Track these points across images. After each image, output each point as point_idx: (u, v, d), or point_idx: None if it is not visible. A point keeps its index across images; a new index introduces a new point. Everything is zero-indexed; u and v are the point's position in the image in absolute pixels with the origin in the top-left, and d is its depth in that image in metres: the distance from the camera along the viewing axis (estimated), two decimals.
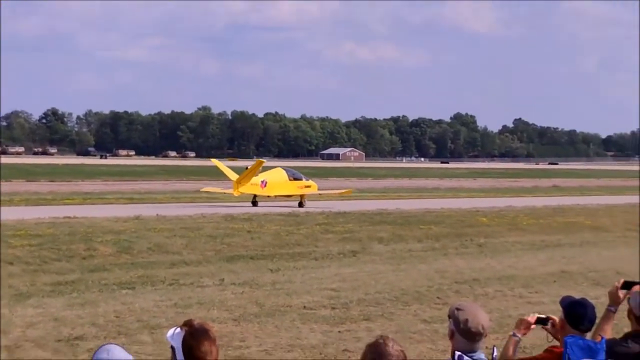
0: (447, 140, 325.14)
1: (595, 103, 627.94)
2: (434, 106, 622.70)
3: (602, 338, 7.56)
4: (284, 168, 57.71)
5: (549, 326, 7.84)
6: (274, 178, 54.26)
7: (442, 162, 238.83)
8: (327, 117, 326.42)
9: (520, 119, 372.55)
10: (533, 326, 7.94)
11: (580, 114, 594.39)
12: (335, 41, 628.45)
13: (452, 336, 7.03)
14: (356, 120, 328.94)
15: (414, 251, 28.94)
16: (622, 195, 73.87)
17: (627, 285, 8.22)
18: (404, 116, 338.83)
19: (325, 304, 18.33)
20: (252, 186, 52.08)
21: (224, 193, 55.19)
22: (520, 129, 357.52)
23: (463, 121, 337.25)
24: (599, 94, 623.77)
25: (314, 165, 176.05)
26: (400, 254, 28.08)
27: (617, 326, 10.48)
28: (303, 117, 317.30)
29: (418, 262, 26.02)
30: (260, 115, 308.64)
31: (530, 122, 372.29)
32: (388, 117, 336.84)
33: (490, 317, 15.93)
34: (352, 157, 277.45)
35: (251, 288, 20.64)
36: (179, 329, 5.66)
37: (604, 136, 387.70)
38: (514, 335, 7.89)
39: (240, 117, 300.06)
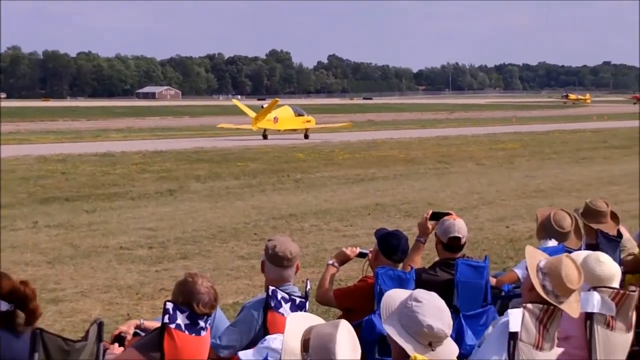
0: (263, 78, 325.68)
1: (406, 38, 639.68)
2: (250, 43, 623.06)
3: (411, 268, 7.78)
4: (290, 106, 67.61)
5: (367, 258, 8.04)
6: (283, 114, 63.54)
7: (258, 100, 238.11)
8: (141, 55, 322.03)
9: (334, 55, 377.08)
10: (353, 257, 8.14)
11: (392, 49, 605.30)
12: None
13: (263, 267, 7.17)
14: (171, 59, 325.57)
15: (231, 188, 28.93)
16: (434, 128, 75.79)
17: (436, 217, 8.48)
18: (219, 54, 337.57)
19: (142, 244, 18.16)
20: (266, 122, 61.41)
21: (238, 128, 64.78)
22: (335, 64, 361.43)
23: (278, 58, 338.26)
24: (410, 29, 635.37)
25: (130, 105, 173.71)
26: (217, 192, 28.02)
27: (429, 256, 10.83)
28: (117, 56, 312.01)
29: (235, 199, 26.01)
30: (73, 54, 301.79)
31: (344, 58, 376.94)
32: (204, 55, 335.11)
33: (306, 252, 16.17)
34: (169, 96, 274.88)
35: (66, 230, 20.23)
36: None
37: (415, 70, 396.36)
38: (333, 264, 8.04)
39: (52, 57, 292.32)
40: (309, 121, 65.09)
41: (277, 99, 68.21)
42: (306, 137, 61.29)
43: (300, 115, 65.16)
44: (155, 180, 31.10)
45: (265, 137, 60.35)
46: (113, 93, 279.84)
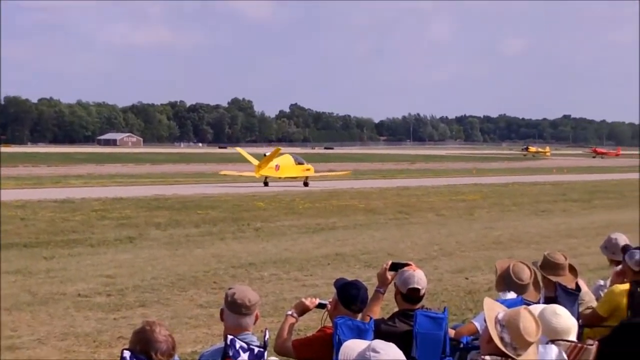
0: (225, 126, 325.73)
1: (368, 89, 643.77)
2: (211, 91, 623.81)
3: (370, 318, 7.79)
4: (291, 154, 69.94)
5: (326, 309, 8.04)
6: (285, 162, 66.13)
7: (219, 147, 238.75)
8: (103, 102, 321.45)
9: (296, 104, 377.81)
10: (312, 308, 8.14)
11: (353, 99, 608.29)
12: (109, 23, 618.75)
13: (222, 315, 7.17)
14: (133, 106, 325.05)
15: (191, 236, 28.87)
16: (394, 178, 76.04)
17: (395, 267, 8.49)
18: (181, 101, 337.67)
19: (100, 291, 18.06)
20: (269, 169, 64.33)
21: (241, 175, 66.65)
22: (297, 113, 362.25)
23: (240, 106, 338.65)
24: (372, 80, 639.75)
25: (91, 151, 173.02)
26: (177, 239, 27.94)
27: (388, 307, 10.83)
28: (79, 103, 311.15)
29: (195, 247, 25.94)
30: (35, 100, 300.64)
31: (306, 107, 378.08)
32: (165, 102, 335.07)
33: (265, 301, 16.10)
34: (130, 143, 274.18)
35: (24, 276, 20.08)
36: None
37: (377, 121, 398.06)
38: (292, 314, 8.05)
39: (13, 102, 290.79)
40: (308, 169, 67.54)
41: (279, 147, 70.61)
42: (306, 184, 63.69)
43: (300, 163, 67.59)
44: (115, 227, 30.97)
45: (266, 184, 63.03)
46: (74, 139, 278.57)
